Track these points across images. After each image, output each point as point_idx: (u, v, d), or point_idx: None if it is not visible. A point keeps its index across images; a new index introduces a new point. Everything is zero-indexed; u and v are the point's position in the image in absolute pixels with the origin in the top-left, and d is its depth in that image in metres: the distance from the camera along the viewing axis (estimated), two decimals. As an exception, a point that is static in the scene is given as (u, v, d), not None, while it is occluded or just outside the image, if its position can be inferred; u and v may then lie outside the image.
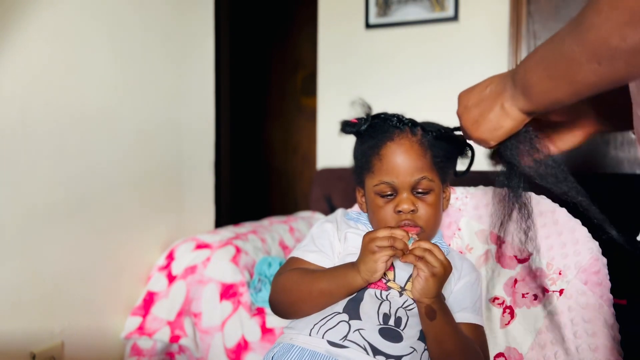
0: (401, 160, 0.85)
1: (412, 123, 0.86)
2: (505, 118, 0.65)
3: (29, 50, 1.14)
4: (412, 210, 0.84)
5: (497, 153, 0.73)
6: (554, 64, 0.55)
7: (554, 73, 0.55)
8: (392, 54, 2.32)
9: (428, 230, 0.87)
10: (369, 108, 0.90)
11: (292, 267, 0.89)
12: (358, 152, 0.92)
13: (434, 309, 0.75)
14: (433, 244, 0.75)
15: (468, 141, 0.86)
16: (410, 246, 0.76)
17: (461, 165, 0.94)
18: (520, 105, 0.63)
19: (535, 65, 0.58)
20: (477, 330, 0.85)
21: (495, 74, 0.69)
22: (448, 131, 0.86)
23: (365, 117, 0.89)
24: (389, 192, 0.86)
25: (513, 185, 0.73)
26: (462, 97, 0.72)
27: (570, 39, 0.52)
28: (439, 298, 0.76)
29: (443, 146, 0.87)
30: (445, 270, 0.74)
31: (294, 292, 0.83)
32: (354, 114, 0.91)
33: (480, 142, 0.71)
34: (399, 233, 0.76)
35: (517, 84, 0.62)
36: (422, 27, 2.25)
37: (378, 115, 0.88)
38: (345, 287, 0.79)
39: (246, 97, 3.40)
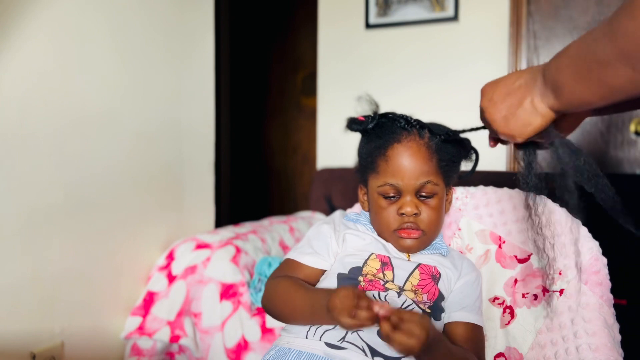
0: (407, 163, 0.84)
1: (420, 125, 0.85)
2: (535, 115, 0.63)
3: (28, 51, 1.14)
4: (415, 214, 0.84)
5: (519, 150, 0.71)
6: (586, 65, 0.54)
7: (586, 75, 0.54)
8: (392, 53, 2.32)
9: (430, 234, 0.87)
10: (377, 105, 0.88)
11: (286, 271, 0.88)
12: (363, 151, 0.91)
13: (422, 357, 0.68)
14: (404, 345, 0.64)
15: (490, 135, 0.83)
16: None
17: (464, 166, 0.94)
18: (550, 103, 0.61)
19: (567, 64, 0.57)
20: (476, 330, 0.84)
21: (522, 69, 0.67)
22: (456, 134, 0.85)
23: (372, 115, 0.87)
24: (393, 194, 0.85)
25: (531, 187, 0.71)
26: (487, 89, 0.70)
27: (603, 42, 0.51)
28: (428, 345, 0.66)
29: (449, 150, 0.86)
30: (418, 348, 0.63)
31: (281, 306, 0.83)
32: (355, 112, 0.89)
33: (507, 137, 0.68)
34: (362, 316, 0.65)
35: (547, 80, 0.60)
36: (422, 27, 2.25)
37: (385, 115, 0.87)
38: (319, 319, 0.76)
39: (246, 97, 3.40)
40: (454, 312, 0.84)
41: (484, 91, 0.71)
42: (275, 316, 0.85)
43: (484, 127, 0.78)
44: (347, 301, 0.65)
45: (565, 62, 0.57)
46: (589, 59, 0.53)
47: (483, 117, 0.72)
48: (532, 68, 0.65)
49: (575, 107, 0.59)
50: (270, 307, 0.85)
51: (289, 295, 0.81)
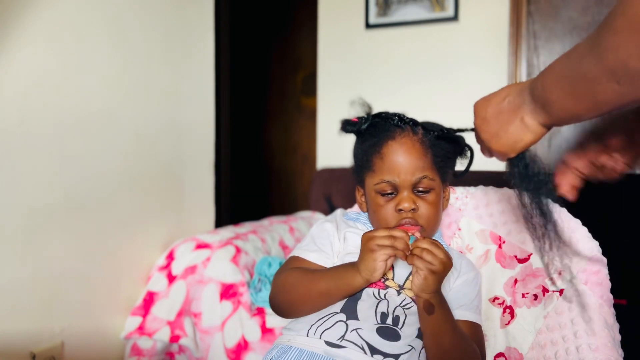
0: (402, 159, 0.85)
1: (413, 122, 0.86)
2: (525, 132, 0.65)
3: (28, 51, 1.14)
4: (412, 209, 0.84)
5: (512, 163, 0.73)
6: (574, 83, 0.55)
7: (575, 91, 0.55)
8: (392, 53, 2.32)
9: (428, 229, 0.87)
10: (369, 107, 0.90)
11: (293, 267, 0.89)
12: (358, 151, 0.92)
13: (432, 304, 0.75)
14: (433, 241, 0.75)
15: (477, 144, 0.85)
16: (411, 245, 0.76)
17: (460, 165, 0.94)
18: (541, 120, 0.63)
19: (554, 82, 0.58)
20: (475, 328, 0.85)
21: (510, 84, 0.70)
22: (449, 131, 0.86)
23: (365, 116, 0.89)
24: (390, 191, 0.86)
25: (527, 189, 0.72)
26: (479, 107, 0.72)
27: (588, 58, 0.52)
28: (438, 293, 0.76)
29: (444, 146, 0.88)
30: (444, 267, 0.74)
31: (293, 292, 0.83)
32: (354, 113, 0.91)
33: (500, 154, 0.71)
34: (397, 233, 0.76)
35: (536, 99, 0.62)
36: (422, 27, 2.25)
37: (379, 115, 0.89)
38: (345, 288, 0.79)
39: (246, 97, 3.40)
40: (453, 311, 0.84)
41: (476, 109, 0.73)
42: (285, 308, 0.85)
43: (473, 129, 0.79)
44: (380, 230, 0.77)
45: (552, 80, 0.59)
46: (575, 76, 0.55)
47: (477, 135, 0.74)
48: (520, 85, 0.67)
49: (565, 122, 0.61)
50: (280, 298, 0.86)
51: (304, 279, 0.83)
